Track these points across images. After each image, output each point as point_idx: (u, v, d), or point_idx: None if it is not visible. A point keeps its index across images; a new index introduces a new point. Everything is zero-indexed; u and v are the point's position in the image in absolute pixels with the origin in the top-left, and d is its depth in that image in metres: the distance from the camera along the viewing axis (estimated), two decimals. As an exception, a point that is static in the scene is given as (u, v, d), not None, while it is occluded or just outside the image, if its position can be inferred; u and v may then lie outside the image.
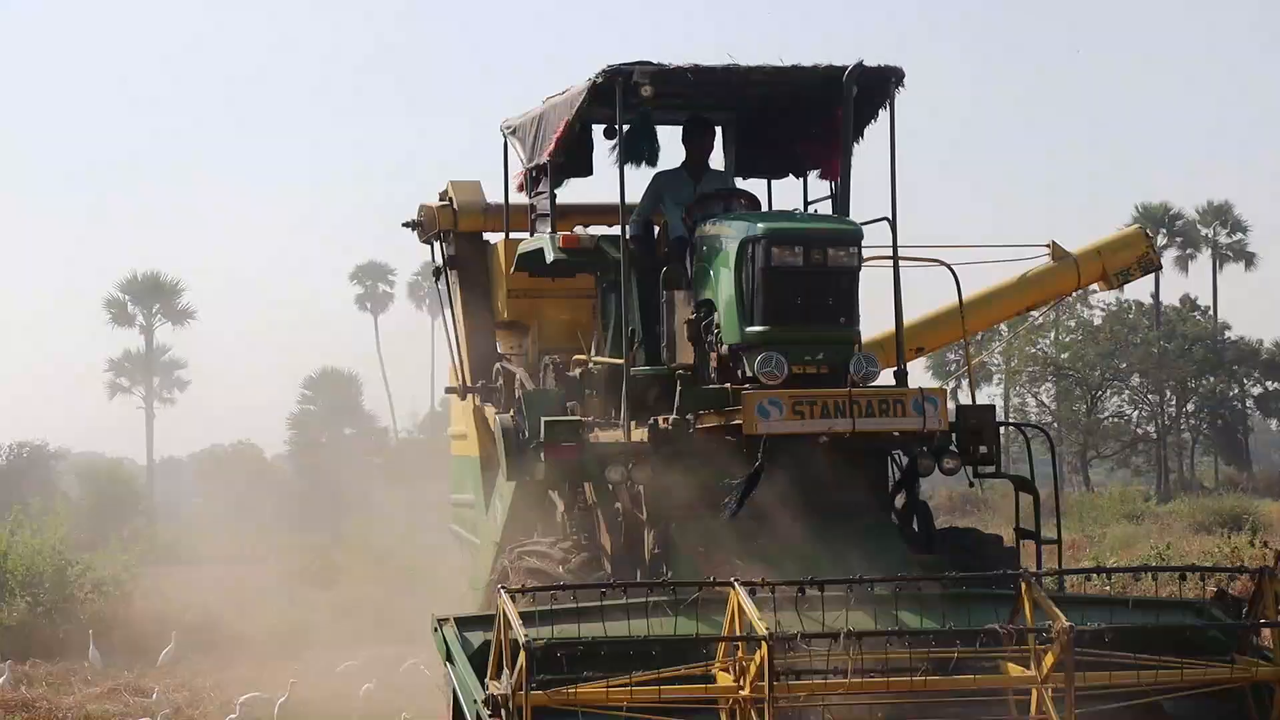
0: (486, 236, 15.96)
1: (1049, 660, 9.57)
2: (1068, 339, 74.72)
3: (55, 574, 26.81)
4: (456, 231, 15.91)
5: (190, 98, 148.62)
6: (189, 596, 28.86)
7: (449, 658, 10.23)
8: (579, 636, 9.66)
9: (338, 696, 18.58)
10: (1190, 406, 77.99)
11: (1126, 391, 77.19)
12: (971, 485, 13.65)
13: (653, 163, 13.57)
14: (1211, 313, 79.28)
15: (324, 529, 42.12)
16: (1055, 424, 71.80)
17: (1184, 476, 76.50)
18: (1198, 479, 76.03)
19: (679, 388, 12.27)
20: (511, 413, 13.39)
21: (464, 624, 10.38)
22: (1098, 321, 75.21)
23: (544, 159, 13.41)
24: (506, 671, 9.33)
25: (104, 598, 27.18)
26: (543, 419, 12.58)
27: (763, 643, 9.18)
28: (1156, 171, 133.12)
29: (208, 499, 75.38)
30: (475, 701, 9.58)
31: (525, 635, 9.20)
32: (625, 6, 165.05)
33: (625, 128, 13.03)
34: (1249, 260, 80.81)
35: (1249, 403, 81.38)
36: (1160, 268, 16.49)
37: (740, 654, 9.45)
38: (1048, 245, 16.30)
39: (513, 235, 14.82)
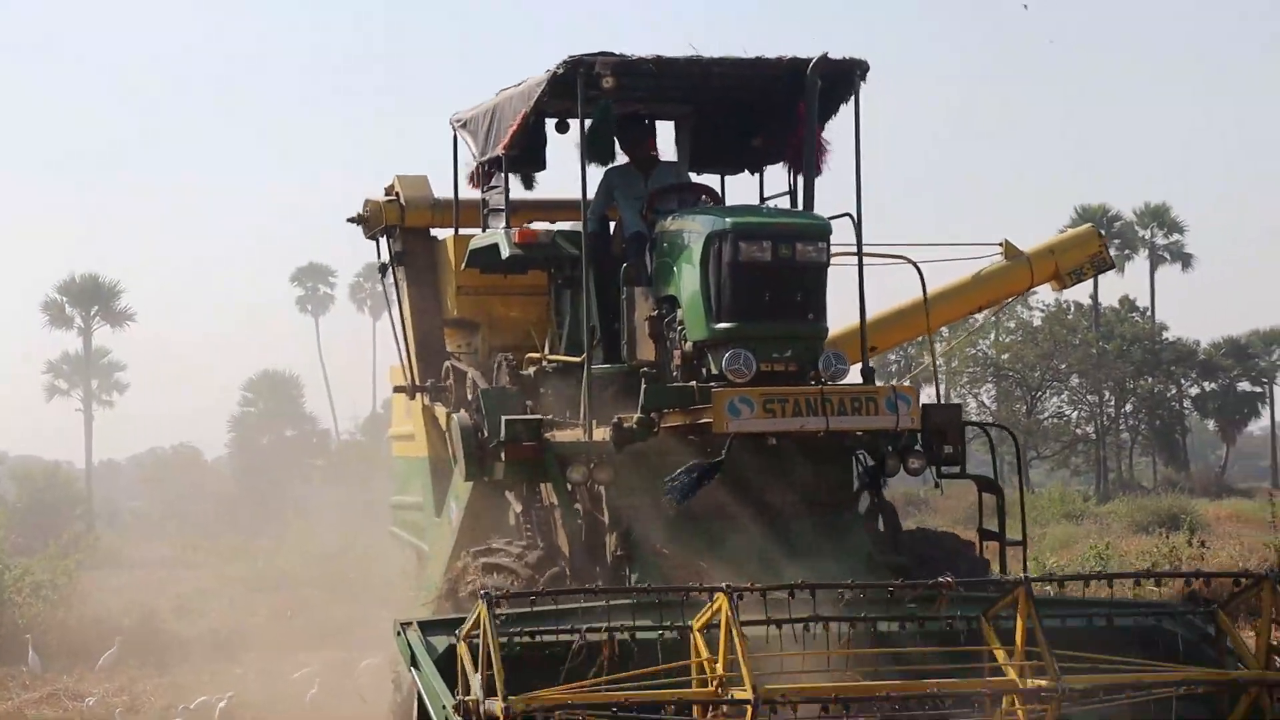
0: (434, 232, 15.61)
1: (1040, 682, 9.39)
2: (1007, 340, 75.10)
3: (-11, 578, 26.69)
4: (403, 227, 15.47)
5: (129, 96, 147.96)
6: (128, 601, 28.72)
7: (414, 662, 9.94)
8: (556, 640, 9.52)
9: (284, 700, 18.52)
10: (1129, 407, 78.40)
11: (1066, 392, 77.61)
12: (937, 485, 13.37)
13: (611, 159, 13.32)
14: (1149, 313, 79.84)
15: (265, 532, 41.93)
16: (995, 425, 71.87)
17: (1122, 476, 76.93)
18: (1136, 479, 76.53)
19: (643, 385, 12.02)
20: (469, 411, 13.10)
21: (427, 628, 10.11)
22: (1037, 322, 75.59)
23: (499, 152, 13.16)
24: (478, 677, 9.09)
25: (42, 602, 26.98)
26: (503, 418, 12.32)
27: (751, 689, 8.90)
28: (1095, 173, 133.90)
29: (147, 502, 75.24)
30: (444, 707, 9.33)
31: (501, 641, 9.02)
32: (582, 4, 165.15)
33: (588, 121, 12.76)
34: (1186, 261, 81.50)
35: (1186, 403, 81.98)
36: (1113, 266, 16.33)
37: (721, 666, 9.16)
38: (1000, 244, 16.14)
39: (463, 231, 14.53)
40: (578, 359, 12.70)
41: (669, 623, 9.64)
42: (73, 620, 26.52)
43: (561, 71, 12.37)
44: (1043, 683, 9.32)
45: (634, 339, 12.71)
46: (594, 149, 12.83)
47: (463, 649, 9.37)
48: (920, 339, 17.24)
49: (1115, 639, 10.07)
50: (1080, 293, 74.64)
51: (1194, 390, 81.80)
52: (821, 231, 12.14)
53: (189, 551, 43.57)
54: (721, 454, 11.65)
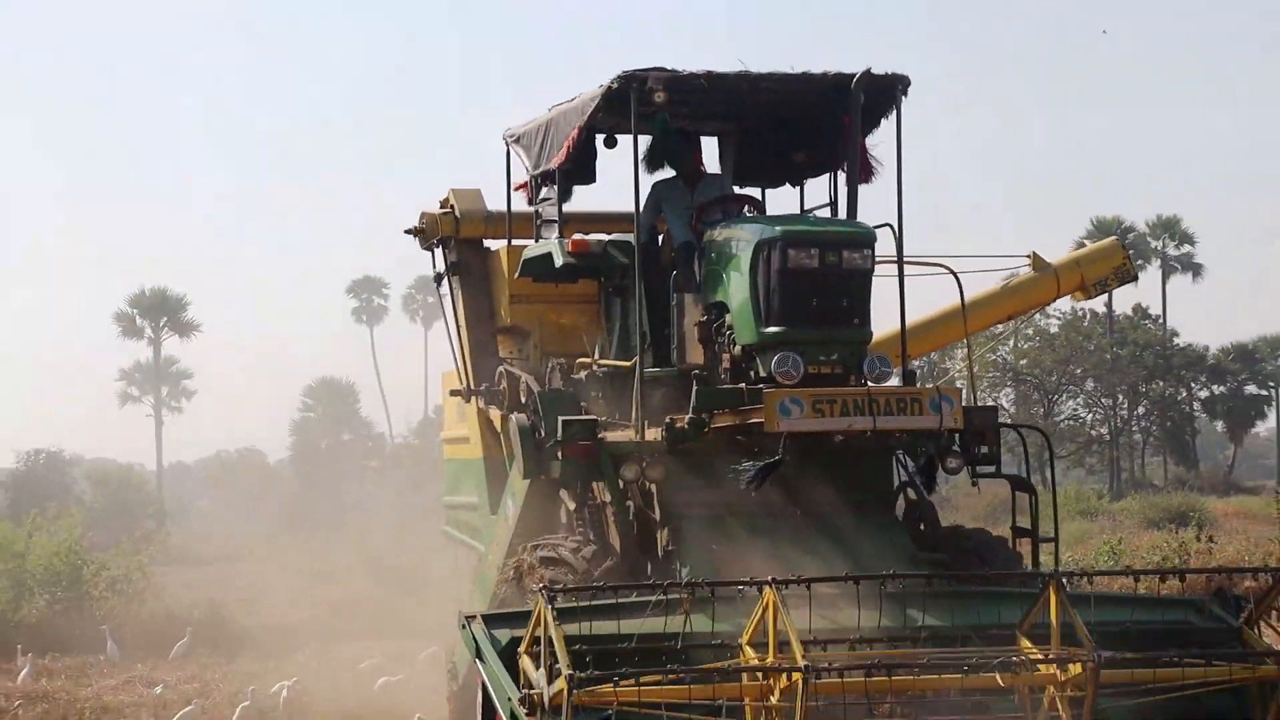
0: (487, 243, 15.62)
1: (1074, 670, 9.23)
2: (1026, 346, 74.99)
3: (71, 573, 26.96)
4: (458, 238, 15.44)
5: (196, 117, 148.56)
6: (197, 595, 29.04)
7: (479, 655, 9.79)
8: (619, 633, 9.39)
9: (350, 687, 18.64)
10: (1141, 409, 78.19)
11: (1081, 395, 77.43)
12: (974, 483, 13.11)
13: (671, 168, 13.33)
14: (1161, 321, 79.64)
15: (323, 530, 42.20)
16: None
17: (1135, 475, 76.69)
18: (1148, 478, 76.21)
19: (694, 388, 12.00)
20: (527, 414, 13.04)
21: (491, 621, 9.96)
22: (1054, 329, 75.45)
23: (553, 166, 13.05)
24: (543, 671, 8.88)
25: (118, 595, 27.34)
26: (560, 419, 12.30)
27: (798, 674, 8.73)
28: (1109, 185, 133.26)
29: (214, 502, 75.60)
30: (510, 700, 9.18)
31: (564, 635, 8.83)
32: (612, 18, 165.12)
33: (641, 135, 12.66)
34: (1196, 271, 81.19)
35: (1196, 406, 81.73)
36: (1135, 278, 16.18)
37: (771, 657, 9.01)
38: (1028, 256, 16.04)
39: (515, 242, 14.51)
40: (628, 363, 12.69)
41: (719, 625, 9.56)
42: (146, 613, 26.87)
43: (616, 86, 12.27)
44: (1080, 654, 9.17)
45: (683, 343, 12.75)
46: (656, 160, 13.04)
47: (525, 643, 9.23)
48: (944, 346, 17.21)
49: (1147, 633, 9.95)
50: (1095, 301, 74.09)
51: (1203, 393, 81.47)
52: (867, 239, 12.08)
53: (253, 548, 43.79)
54: (779, 451, 11.54)
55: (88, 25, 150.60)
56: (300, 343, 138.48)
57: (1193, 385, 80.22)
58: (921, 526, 12.91)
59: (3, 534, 27.37)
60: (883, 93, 12.63)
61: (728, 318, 12.15)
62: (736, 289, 12.01)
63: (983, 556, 12.48)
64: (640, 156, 12.75)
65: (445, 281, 15.58)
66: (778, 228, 11.97)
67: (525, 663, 9.18)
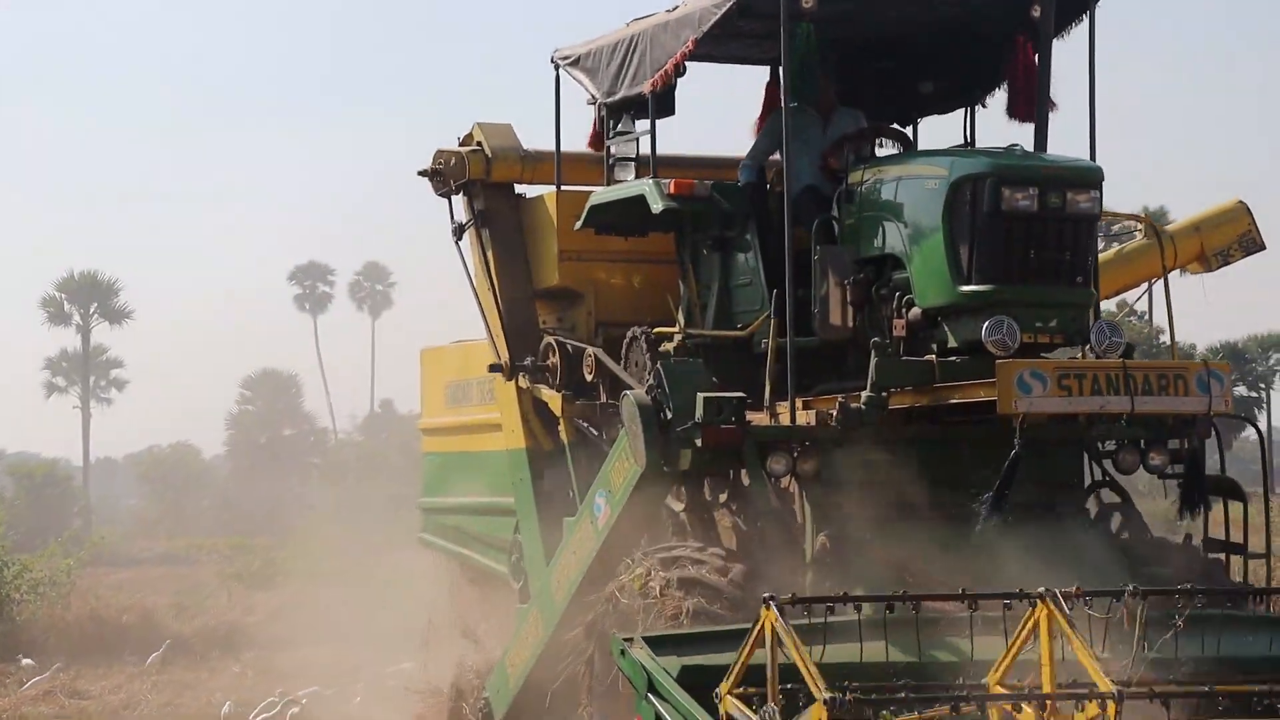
0: (519, 190, 13.57)
1: None
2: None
3: (-13, 575, 26.62)
4: (486, 182, 13.25)
5: (133, 93, 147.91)
6: (126, 598, 28.72)
7: (651, 689, 8.27)
8: (863, 660, 7.90)
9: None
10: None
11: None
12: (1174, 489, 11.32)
13: (812, 102, 11.54)
14: (1148, 318, 79.72)
15: (263, 530, 41.85)
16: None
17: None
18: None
19: (873, 360, 10.22)
20: (646, 389, 11.03)
21: (655, 645, 8.59)
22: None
23: (645, 89, 11.45)
24: (772, 706, 7.49)
25: (39, 599, 26.96)
26: (700, 395, 10.51)
27: (1110, 701, 7.35)
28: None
29: (145, 500, 75.18)
30: None
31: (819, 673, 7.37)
32: None
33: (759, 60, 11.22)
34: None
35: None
36: (1264, 247, 14.20)
37: (1047, 685, 7.59)
38: (1138, 219, 14.28)
39: (565, 187, 12.82)
40: (740, 332, 11.31)
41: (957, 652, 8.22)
42: (70, 617, 26.51)
43: None
44: None
45: (827, 307, 10.85)
46: (800, 84, 11.04)
47: (732, 679, 7.83)
48: None
49: None
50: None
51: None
52: (1096, 178, 10.59)
53: (188, 549, 43.51)
54: (1016, 445, 9.98)
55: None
56: (239, 331, 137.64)
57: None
58: (1125, 535, 11.25)
59: (-86, 534, 27.00)
60: (1072, 4, 11.14)
61: (898, 275, 10.64)
62: (920, 238, 10.47)
63: (1195, 578, 10.00)
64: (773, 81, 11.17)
65: (466, 234, 13.50)
66: (986, 160, 10.47)
67: (734, 706, 7.74)
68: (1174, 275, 12.63)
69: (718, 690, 7.81)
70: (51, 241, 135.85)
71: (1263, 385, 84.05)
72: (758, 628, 7.62)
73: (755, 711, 7.55)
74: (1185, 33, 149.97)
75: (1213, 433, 10.86)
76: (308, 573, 28.74)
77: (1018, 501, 10.32)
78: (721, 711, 7.77)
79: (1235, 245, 14.28)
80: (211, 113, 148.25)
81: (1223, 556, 11.10)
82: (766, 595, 7.65)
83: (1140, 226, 13.79)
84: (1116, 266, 13.83)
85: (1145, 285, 13.12)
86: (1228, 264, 14.40)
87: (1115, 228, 14.56)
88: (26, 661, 23.07)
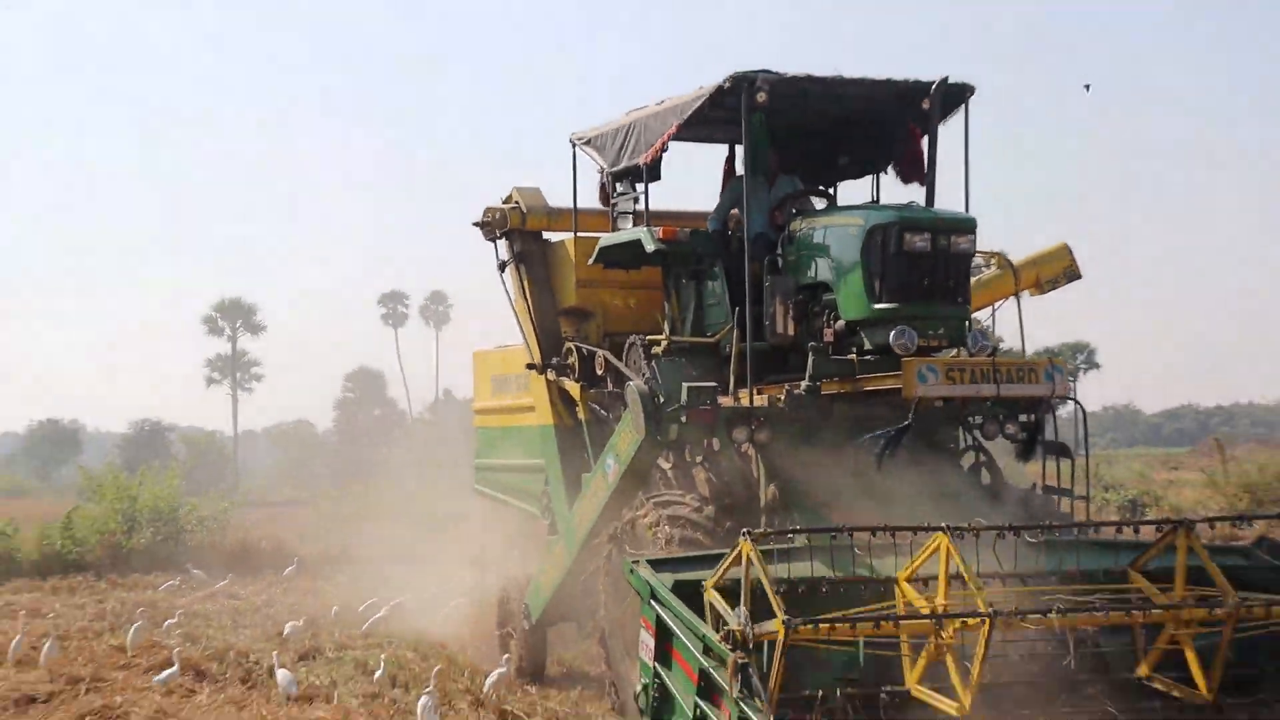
0: (547, 235, 13.62)
1: (1201, 613, 7.71)
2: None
3: (170, 513, 26.66)
4: (522, 230, 13.36)
5: (257, 148, 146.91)
6: (263, 531, 28.77)
7: (653, 596, 8.14)
8: (813, 575, 7.86)
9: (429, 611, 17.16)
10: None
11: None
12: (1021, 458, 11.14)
13: (762, 170, 11.43)
14: (992, 328, 79.28)
15: (360, 483, 41.66)
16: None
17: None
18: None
19: (810, 358, 10.29)
20: (644, 380, 11.08)
21: (656, 565, 8.38)
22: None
23: (641, 162, 11.34)
24: (742, 609, 7.33)
25: (204, 530, 27.12)
26: (685, 385, 10.57)
27: (986, 620, 7.11)
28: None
29: (276, 461, 75.15)
30: (704, 636, 7.59)
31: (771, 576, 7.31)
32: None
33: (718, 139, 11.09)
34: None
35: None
36: (1081, 276, 14.19)
37: (941, 597, 7.40)
38: (994, 255, 14.95)
39: (580, 234, 12.74)
40: (710, 339, 11.23)
41: (876, 573, 8.00)
42: (225, 543, 26.74)
43: (728, 86, 10.56)
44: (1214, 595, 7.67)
45: (775, 320, 10.88)
46: (753, 157, 11.06)
47: (713, 581, 7.66)
48: None
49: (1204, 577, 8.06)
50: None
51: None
52: (971, 226, 10.51)
53: (307, 496, 43.40)
54: (908, 417, 9.97)
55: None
56: (343, 340, 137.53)
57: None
58: (988, 482, 11.13)
59: (120, 482, 26.94)
60: (952, 98, 11.05)
61: (827, 297, 10.58)
62: (843, 270, 10.40)
63: (1045, 515, 10.39)
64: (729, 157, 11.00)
65: (508, 269, 13.53)
66: (892, 213, 10.35)
67: (716, 600, 7.56)
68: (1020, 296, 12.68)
69: (704, 583, 7.69)
70: (210, 273, 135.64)
71: (1072, 378, 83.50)
72: (735, 552, 7.50)
73: (733, 607, 7.38)
74: (1023, 123, 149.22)
75: (1052, 410, 10.86)
76: (392, 513, 28.75)
77: (914, 458, 10.24)
78: (705, 601, 7.64)
79: (1061, 275, 14.20)
80: (320, 165, 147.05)
81: (1055, 499, 11.08)
82: (745, 530, 7.52)
83: (994, 261, 13.82)
84: (979, 290, 13.66)
85: (995, 305, 13.14)
86: (1054, 289, 14.40)
87: (976, 261, 14.63)
88: (196, 572, 23.17)
